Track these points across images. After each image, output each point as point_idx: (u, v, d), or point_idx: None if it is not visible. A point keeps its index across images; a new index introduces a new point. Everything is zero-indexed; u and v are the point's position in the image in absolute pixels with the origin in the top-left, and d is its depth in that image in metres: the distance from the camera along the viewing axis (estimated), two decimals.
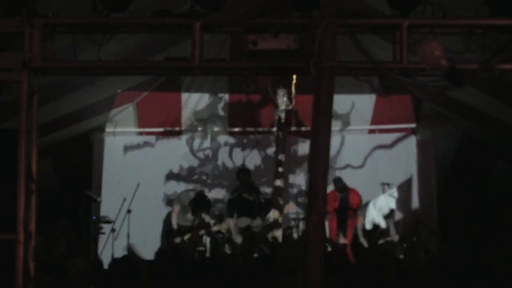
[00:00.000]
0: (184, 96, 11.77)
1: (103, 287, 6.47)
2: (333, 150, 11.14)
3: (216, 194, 11.91)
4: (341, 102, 11.34)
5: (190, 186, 11.27)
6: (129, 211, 10.71)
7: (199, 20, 5.72)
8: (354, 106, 11.77)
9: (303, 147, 11.52)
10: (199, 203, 10.88)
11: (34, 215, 5.60)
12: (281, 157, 10.87)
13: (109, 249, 10.42)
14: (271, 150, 11.66)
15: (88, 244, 10.62)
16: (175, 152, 11.93)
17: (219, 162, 12.05)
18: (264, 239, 10.30)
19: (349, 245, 10.80)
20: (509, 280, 6.52)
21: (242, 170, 11.21)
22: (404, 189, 11.76)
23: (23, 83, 5.61)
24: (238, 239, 10.39)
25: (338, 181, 11.35)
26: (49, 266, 6.70)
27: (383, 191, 11.33)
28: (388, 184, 11.26)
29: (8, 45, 5.73)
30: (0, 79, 5.76)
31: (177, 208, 11.13)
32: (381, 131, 12.07)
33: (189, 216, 10.93)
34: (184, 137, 12.07)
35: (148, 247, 9.98)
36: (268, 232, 10.48)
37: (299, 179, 11.70)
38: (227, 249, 10.34)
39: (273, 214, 10.62)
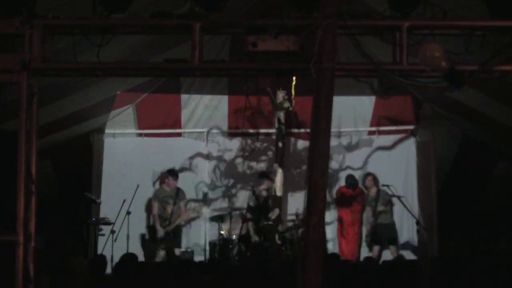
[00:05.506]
0: (184, 97, 11.76)
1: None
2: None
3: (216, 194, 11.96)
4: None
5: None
6: (128, 213, 10.70)
7: (199, 21, 5.71)
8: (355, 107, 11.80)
9: (303, 149, 11.50)
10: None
11: (34, 216, 5.60)
12: (281, 158, 10.86)
13: (109, 251, 10.41)
14: (271, 152, 11.64)
15: (87, 246, 10.61)
16: (175, 154, 11.92)
17: (219, 164, 12.04)
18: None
19: None
20: (509, 280, 6.53)
21: (264, 174, 11.24)
22: (404, 190, 11.77)
23: (23, 84, 5.61)
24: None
25: (350, 178, 11.48)
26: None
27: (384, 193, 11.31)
28: (388, 186, 11.24)
29: (8, 46, 5.73)
30: (0, 80, 5.76)
31: (155, 204, 11.17)
32: (381, 132, 12.06)
33: (169, 210, 10.97)
34: (183, 139, 12.07)
35: None
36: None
37: (299, 181, 11.68)
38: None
39: (273, 214, 10.63)
